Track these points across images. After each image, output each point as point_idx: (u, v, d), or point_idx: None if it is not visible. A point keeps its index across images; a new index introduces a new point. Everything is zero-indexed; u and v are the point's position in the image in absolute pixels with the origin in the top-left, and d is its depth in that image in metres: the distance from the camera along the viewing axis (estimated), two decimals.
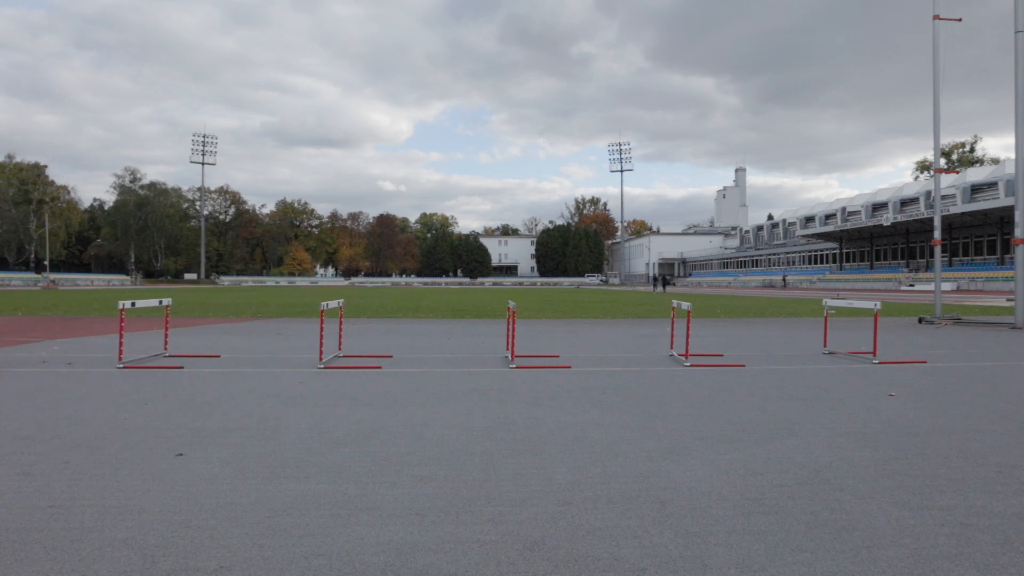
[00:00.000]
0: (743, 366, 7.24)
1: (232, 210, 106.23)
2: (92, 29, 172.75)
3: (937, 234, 15.13)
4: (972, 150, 79.61)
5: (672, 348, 8.62)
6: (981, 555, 2.28)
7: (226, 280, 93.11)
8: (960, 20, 14.96)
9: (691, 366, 7.20)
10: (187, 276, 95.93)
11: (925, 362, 7.69)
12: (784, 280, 63.35)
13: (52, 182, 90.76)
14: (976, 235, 53.61)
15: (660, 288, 49.30)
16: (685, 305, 7.74)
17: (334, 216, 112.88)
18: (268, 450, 3.61)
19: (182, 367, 6.80)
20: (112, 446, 3.66)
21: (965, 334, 11.46)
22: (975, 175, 57.13)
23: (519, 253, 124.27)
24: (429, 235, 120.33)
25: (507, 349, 7.73)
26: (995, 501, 2.84)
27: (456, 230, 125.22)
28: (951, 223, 51.77)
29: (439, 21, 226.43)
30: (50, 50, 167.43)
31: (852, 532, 2.48)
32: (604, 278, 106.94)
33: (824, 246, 74.59)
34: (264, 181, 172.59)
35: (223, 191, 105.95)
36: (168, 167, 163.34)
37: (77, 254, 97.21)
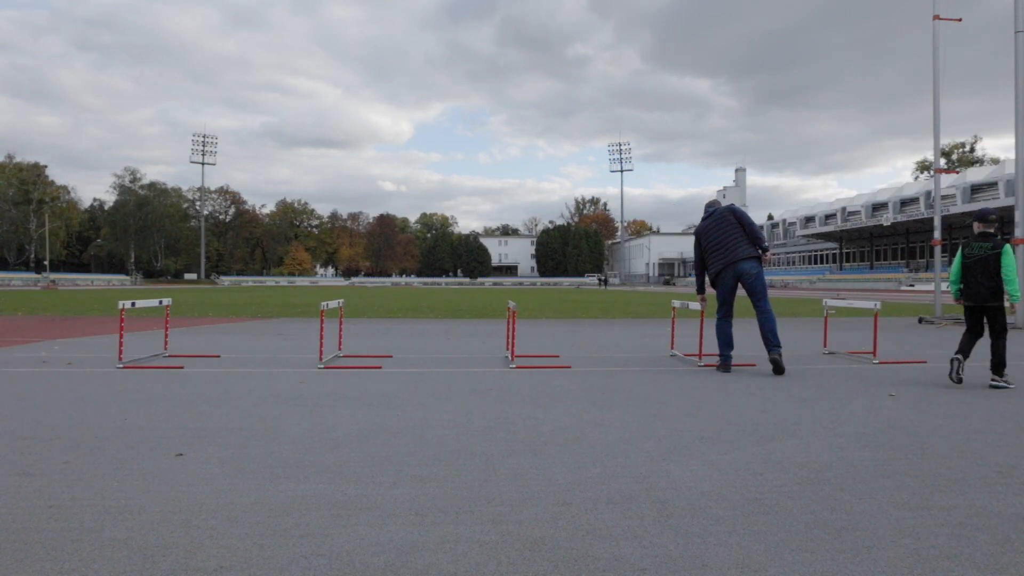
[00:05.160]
0: (743, 366, 7.23)
1: (232, 210, 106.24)
2: (93, 31, 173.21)
3: (937, 234, 15.14)
4: (972, 150, 79.63)
5: (672, 348, 8.62)
6: (981, 555, 2.27)
7: (226, 280, 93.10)
8: (960, 20, 14.95)
9: (704, 366, 7.20)
10: (187, 276, 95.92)
11: (925, 362, 7.69)
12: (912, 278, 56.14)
13: (52, 182, 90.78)
14: None
15: (604, 286, 70.02)
16: (693, 306, 7.74)
17: (334, 216, 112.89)
18: (268, 450, 3.60)
19: (182, 367, 6.80)
20: (112, 446, 3.66)
21: None
22: (975, 175, 57.15)
23: (519, 253, 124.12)
24: (429, 235, 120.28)
25: (507, 349, 7.73)
26: (995, 501, 2.84)
27: (456, 230, 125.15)
28: (951, 223, 51.74)
29: (437, 23, 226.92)
30: (52, 51, 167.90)
31: (852, 532, 2.48)
32: (604, 278, 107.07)
33: (824, 246, 74.60)
34: (264, 181, 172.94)
35: (223, 191, 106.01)
36: (168, 167, 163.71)
37: (77, 254, 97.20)
